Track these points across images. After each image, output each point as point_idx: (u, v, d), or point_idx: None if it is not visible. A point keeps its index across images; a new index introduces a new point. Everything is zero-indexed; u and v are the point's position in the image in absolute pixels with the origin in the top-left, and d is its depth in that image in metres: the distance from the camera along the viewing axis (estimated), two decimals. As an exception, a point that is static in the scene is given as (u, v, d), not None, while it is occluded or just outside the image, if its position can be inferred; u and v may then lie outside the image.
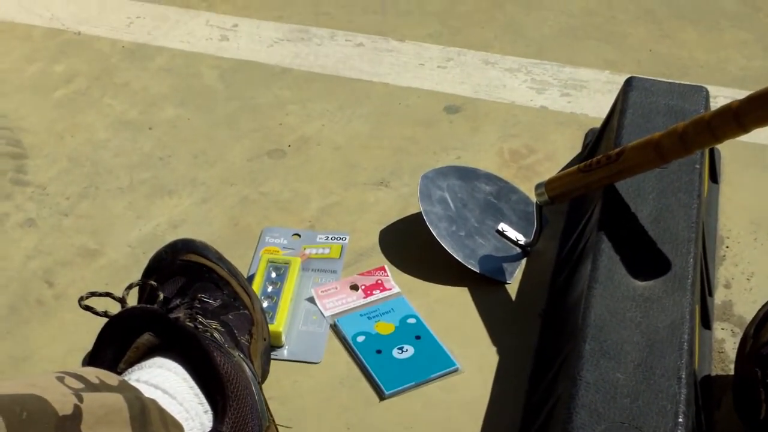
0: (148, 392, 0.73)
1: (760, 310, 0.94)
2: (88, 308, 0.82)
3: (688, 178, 1.03)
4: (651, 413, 0.80)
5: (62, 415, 0.61)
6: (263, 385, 0.94)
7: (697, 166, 1.04)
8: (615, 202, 1.01)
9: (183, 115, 1.35)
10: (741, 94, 0.88)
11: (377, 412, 0.97)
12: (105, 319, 0.81)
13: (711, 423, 0.95)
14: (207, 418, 0.76)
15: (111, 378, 0.70)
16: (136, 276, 1.00)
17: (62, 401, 0.62)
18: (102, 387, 0.68)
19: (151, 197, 1.22)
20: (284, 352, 1.02)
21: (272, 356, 1.00)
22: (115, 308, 0.84)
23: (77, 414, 0.62)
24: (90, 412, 0.63)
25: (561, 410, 0.83)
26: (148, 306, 0.82)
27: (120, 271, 1.12)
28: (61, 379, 0.65)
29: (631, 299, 0.90)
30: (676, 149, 0.94)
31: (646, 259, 0.94)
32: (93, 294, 0.84)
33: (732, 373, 0.99)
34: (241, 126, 1.33)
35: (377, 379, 0.99)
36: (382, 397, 0.98)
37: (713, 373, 1.01)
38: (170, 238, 1.10)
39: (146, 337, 0.79)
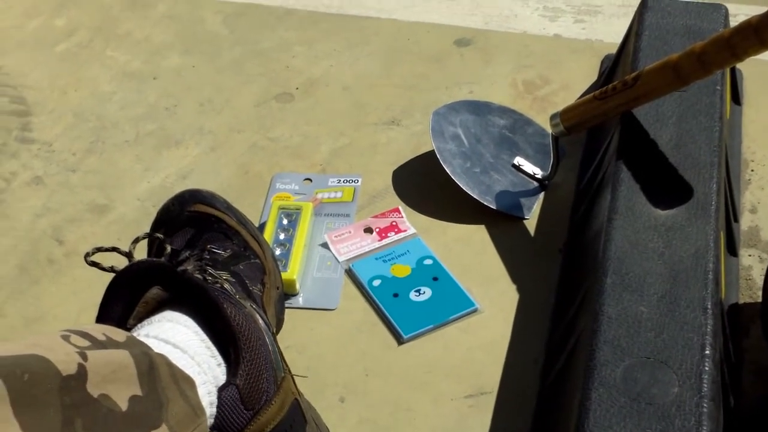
0: (158, 347, 0.71)
1: (788, 234, 0.91)
2: (94, 264, 0.80)
3: (709, 100, 0.99)
4: (676, 346, 0.77)
5: (66, 375, 0.59)
6: (278, 335, 0.92)
7: (718, 88, 1.00)
8: (633, 129, 0.97)
9: (187, 63, 1.32)
10: (761, 10, 0.84)
11: (396, 356, 0.95)
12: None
13: (739, 352, 0.93)
14: (220, 371, 0.75)
15: (118, 334, 0.68)
16: (147, 230, 0.98)
17: (66, 361, 0.60)
18: (109, 344, 0.66)
19: (158, 149, 1.20)
20: (299, 300, 1.00)
21: (287, 305, 0.98)
22: (122, 263, 0.82)
23: (82, 373, 0.60)
24: (95, 371, 0.61)
25: (583, 346, 0.81)
26: (155, 259, 0.80)
27: (130, 225, 1.10)
28: (66, 338, 0.64)
29: (652, 229, 0.87)
30: (695, 70, 0.90)
31: (667, 186, 0.91)
32: (99, 249, 0.82)
33: (760, 300, 0.96)
34: (247, 71, 1.30)
35: (395, 323, 0.97)
36: (400, 341, 0.96)
37: (741, 301, 0.98)
38: (179, 189, 1.08)
39: (155, 291, 0.77)
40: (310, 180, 1.13)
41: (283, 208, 1.06)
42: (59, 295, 1.03)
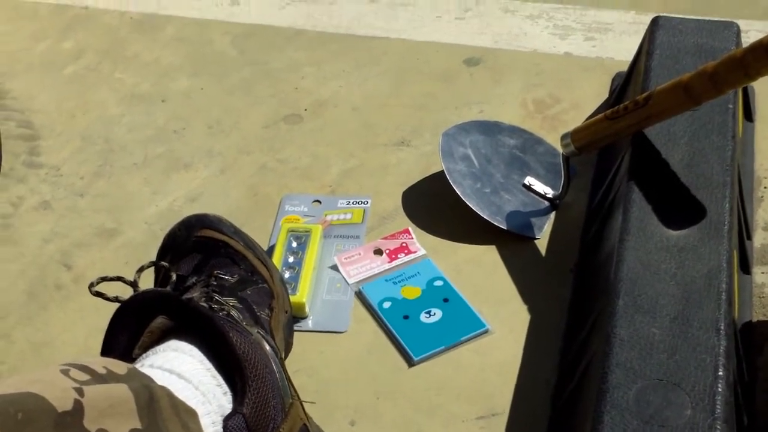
0: (162, 378, 0.71)
1: (802, 253, 0.90)
2: (98, 294, 0.80)
3: (721, 119, 0.98)
4: (689, 368, 0.76)
5: (62, 411, 0.58)
6: (288, 358, 0.91)
7: (730, 106, 0.99)
8: (645, 148, 0.96)
9: (196, 85, 1.32)
10: (773, 26, 0.83)
11: (407, 379, 0.94)
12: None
13: (753, 370, 0.92)
14: (226, 400, 0.74)
15: (119, 367, 0.67)
16: (155, 254, 0.97)
17: (62, 397, 0.59)
18: (109, 377, 0.65)
19: (167, 171, 1.19)
20: (309, 323, 0.99)
21: (297, 328, 0.97)
22: (128, 292, 0.81)
23: (78, 408, 0.59)
24: (92, 405, 0.60)
25: (596, 369, 0.80)
26: (160, 289, 0.79)
27: (138, 249, 1.10)
28: (65, 372, 0.63)
29: (665, 250, 0.86)
30: (707, 90, 0.89)
31: (679, 206, 0.90)
32: (104, 279, 0.82)
33: (775, 318, 0.95)
34: (256, 92, 1.30)
35: (405, 346, 0.96)
36: (411, 363, 0.95)
37: (754, 319, 0.97)
38: (187, 212, 1.07)
39: (160, 320, 0.76)
40: (320, 202, 1.12)
41: (292, 231, 1.05)
42: (67, 321, 1.03)
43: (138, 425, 0.62)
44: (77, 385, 0.60)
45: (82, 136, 1.25)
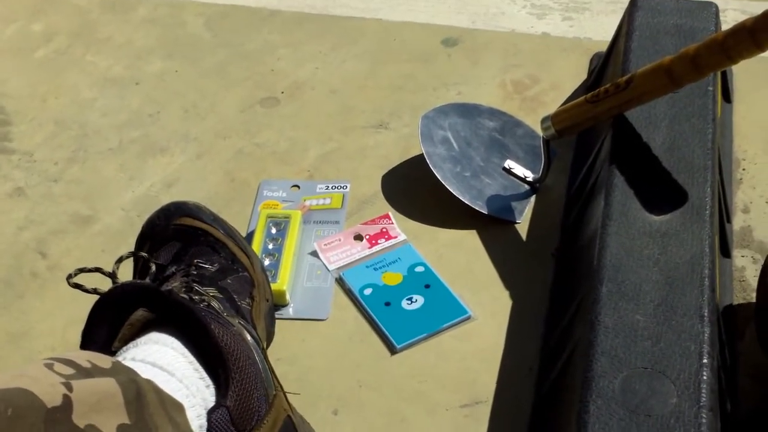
0: (144, 371, 0.70)
1: (782, 236, 0.90)
2: (77, 286, 0.78)
3: (702, 101, 0.97)
4: (674, 355, 0.76)
5: (51, 407, 0.57)
6: (269, 347, 0.91)
7: (710, 88, 0.99)
8: (626, 132, 0.96)
9: (170, 68, 1.30)
10: (752, 5, 0.82)
11: (389, 366, 0.94)
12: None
13: (734, 355, 0.92)
14: (209, 393, 0.73)
15: (103, 360, 0.66)
16: (133, 241, 0.96)
17: (50, 392, 0.58)
18: (94, 371, 0.64)
19: (142, 156, 1.18)
20: (289, 311, 0.99)
21: (277, 315, 0.97)
22: (107, 283, 0.80)
23: (67, 404, 0.58)
24: (81, 401, 0.59)
25: (580, 357, 0.80)
26: (140, 281, 0.78)
27: (115, 236, 1.08)
28: (50, 366, 0.62)
29: (647, 235, 0.85)
30: (688, 73, 0.89)
31: (661, 191, 0.90)
32: (82, 270, 0.80)
33: (754, 301, 0.95)
34: (232, 75, 1.28)
35: (387, 333, 0.95)
36: (393, 351, 0.95)
37: (735, 303, 0.97)
38: (165, 199, 1.06)
39: (140, 313, 0.75)
40: (298, 187, 1.11)
41: (271, 217, 1.04)
42: (44, 310, 1.01)
43: (126, 420, 0.62)
44: (64, 380, 0.59)
45: (55, 121, 1.23)
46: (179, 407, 0.68)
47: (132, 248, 0.91)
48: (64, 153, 1.19)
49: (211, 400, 0.72)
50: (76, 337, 0.96)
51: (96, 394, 0.61)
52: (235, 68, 1.29)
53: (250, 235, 1.03)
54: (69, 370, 0.62)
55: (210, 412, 0.71)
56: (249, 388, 0.74)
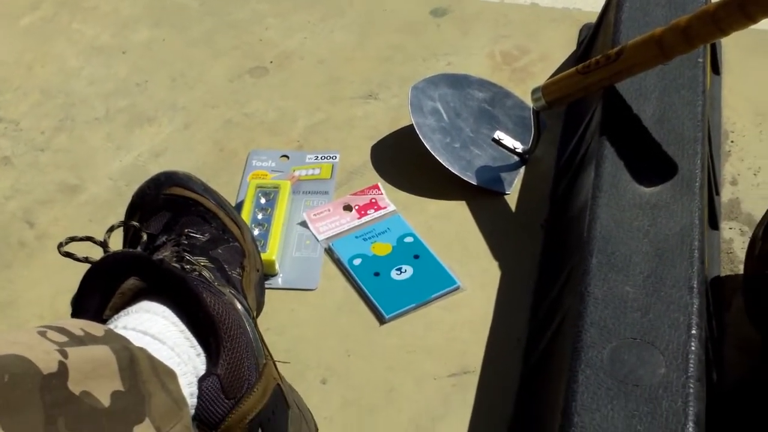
0: (136, 339, 0.70)
1: (769, 209, 0.91)
2: (68, 254, 0.78)
3: (692, 73, 0.97)
4: (663, 326, 0.77)
5: (47, 374, 0.57)
6: (259, 318, 0.91)
7: (700, 60, 0.99)
8: (616, 103, 0.96)
9: (158, 36, 1.29)
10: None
11: (378, 337, 0.94)
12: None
13: (721, 326, 0.93)
14: (200, 362, 0.73)
15: (96, 329, 0.66)
16: (120, 210, 0.95)
17: (46, 359, 0.58)
18: (87, 339, 0.64)
19: (130, 126, 1.17)
20: (279, 281, 0.99)
21: (266, 285, 0.96)
22: (98, 252, 0.80)
23: (63, 371, 0.58)
24: (76, 368, 0.59)
25: (569, 327, 0.80)
26: (132, 250, 0.77)
27: (103, 206, 1.08)
28: (43, 334, 0.62)
29: (637, 207, 0.86)
30: (679, 45, 0.89)
31: (651, 162, 0.90)
32: (72, 239, 0.80)
33: (741, 273, 0.96)
34: (220, 44, 1.27)
35: (376, 303, 0.96)
36: (382, 321, 0.95)
37: (722, 275, 0.97)
38: (152, 168, 1.06)
39: (132, 282, 0.75)
40: (287, 157, 1.11)
41: (260, 187, 1.04)
42: (32, 279, 1.01)
43: (120, 387, 0.62)
44: (58, 347, 0.59)
45: (41, 90, 1.22)
46: (172, 374, 0.68)
47: (120, 218, 0.90)
48: (50, 122, 1.18)
49: (201, 369, 0.73)
50: (65, 306, 0.96)
51: (91, 361, 0.61)
52: (222, 37, 1.28)
53: (239, 205, 1.03)
54: (62, 338, 0.62)
55: (201, 380, 0.71)
56: (240, 357, 0.74)
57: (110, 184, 1.10)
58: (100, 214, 1.06)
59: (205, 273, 0.79)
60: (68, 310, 0.95)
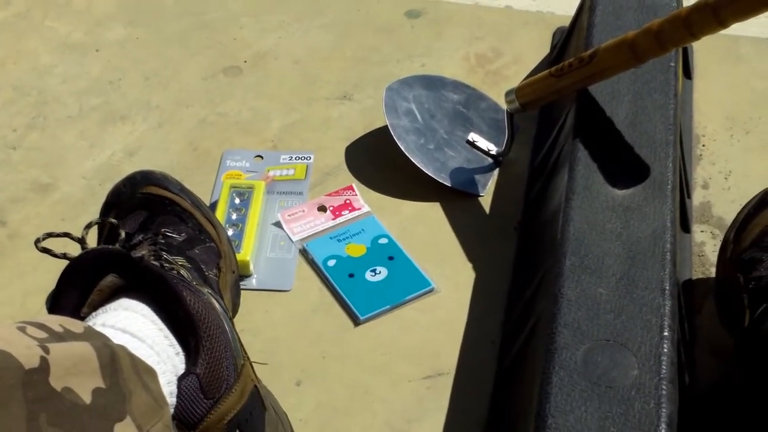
0: (115, 337, 0.69)
1: (739, 213, 0.92)
2: (45, 250, 0.78)
3: (664, 77, 0.98)
4: (635, 328, 0.77)
5: (29, 369, 0.57)
6: (234, 319, 0.90)
7: (672, 64, 1.00)
8: (589, 106, 0.96)
9: (132, 35, 1.28)
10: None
11: (353, 338, 0.94)
12: (65, 261, 0.76)
13: (693, 329, 0.94)
14: (179, 360, 0.73)
15: (75, 325, 0.66)
16: (94, 209, 0.95)
17: (27, 354, 0.57)
18: (67, 336, 0.64)
19: (103, 124, 1.16)
20: (253, 282, 0.99)
21: (241, 286, 0.96)
22: (74, 249, 0.79)
23: (44, 366, 0.58)
24: (58, 364, 0.59)
25: (543, 329, 0.81)
26: (111, 247, 0.77)
27: (76, 205, 1.07)
28: (22, 329, 0.61)
29: (610, 209, 0.86)
30: (651, 48, 0.90)
31: (624, 165, 0.91)
32: (50, 235, 0.79)
33: (713, 276, 0.97)
34: (194, 43, 1.27)
35: (351, 305, 0.96)
36: (357, 322, 0.95)
37: (694, 278, 0.99)
38: (126, 167, 1.05)
39: (110, 279, 0.75)
40: (261, 157, 1.11)
41: (234, 187, 1.04)
42: (3, 279, 1.00)
43: (101, 384, 0.61)
44: (39, 343, 0.58)
45: (13, 87, 1.21)
46: (152, 373, 0.68)
47: (94, 217, 0.90)
48: (22, 119, 1.17)
49: (181, 368, 0.72)
50: (36, 306, 0.96)
51: (72, 357, 0.60)
52: (197, 36, 1.27)
53: (213, 205, 1.03)
54: (42, 334, 0.61)
55: (180, 379, 0.71)
56: (219, 357, 0.74)
57: (83, 182, 1.09)
58: (74, 213, 1.05)
59: (183, 272, 0.79)
60: (40, 309, 0.95)
